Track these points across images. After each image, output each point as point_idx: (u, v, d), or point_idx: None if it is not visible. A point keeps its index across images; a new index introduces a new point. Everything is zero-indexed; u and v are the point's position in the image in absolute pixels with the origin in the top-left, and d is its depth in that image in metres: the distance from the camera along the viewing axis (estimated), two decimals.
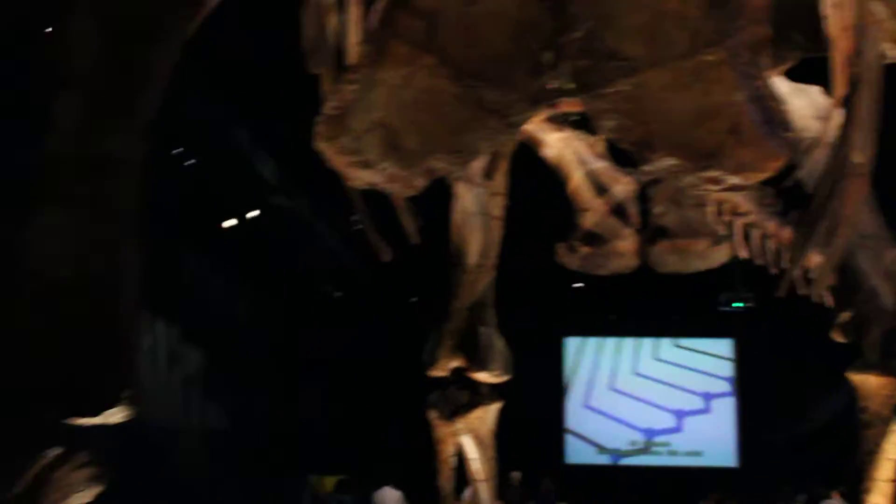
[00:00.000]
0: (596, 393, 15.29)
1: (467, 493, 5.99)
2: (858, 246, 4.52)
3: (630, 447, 15.00)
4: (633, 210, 5.20)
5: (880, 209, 4.56)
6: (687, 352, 14.84)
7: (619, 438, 15.13)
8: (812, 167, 4.28)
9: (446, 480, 5.36)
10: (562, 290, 12.31)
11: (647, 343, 15.05)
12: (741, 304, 11.22)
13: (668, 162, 2.76)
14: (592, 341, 15.34)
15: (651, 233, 5.08)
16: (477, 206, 5.33)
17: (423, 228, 4.21)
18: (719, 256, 5.15)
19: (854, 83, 3.40)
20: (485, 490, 5.19)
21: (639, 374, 15.14)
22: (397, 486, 10.35)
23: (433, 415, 5.32)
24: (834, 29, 3.39)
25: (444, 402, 5.39)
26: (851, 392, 4.74)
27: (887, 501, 4.30)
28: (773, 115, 2.79)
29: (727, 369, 14.80)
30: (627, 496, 13.33)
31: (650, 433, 15.02)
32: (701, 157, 2.75)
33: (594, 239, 5.17)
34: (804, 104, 4.38)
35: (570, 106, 4.95)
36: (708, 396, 14.93)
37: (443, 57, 2.76)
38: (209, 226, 10.50)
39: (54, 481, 2.40)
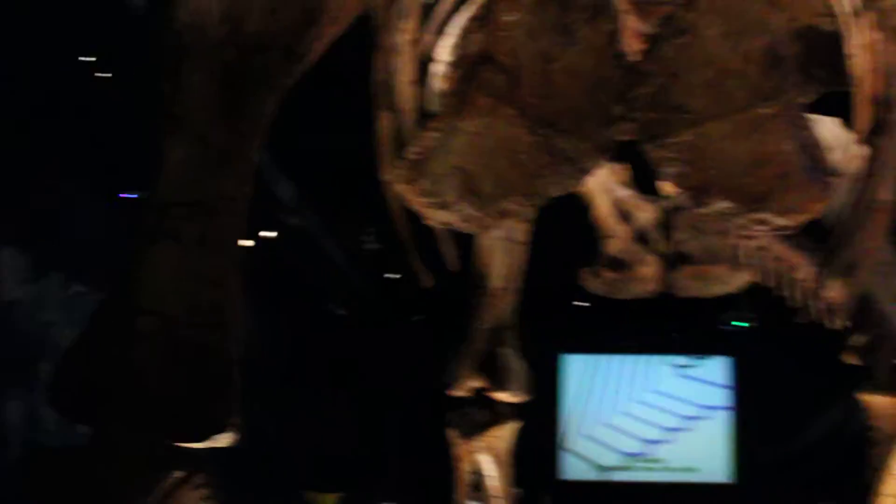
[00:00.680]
0: (593, 409, 15.51)
1: None
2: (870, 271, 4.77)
3: (626, 463, 15.24)
4: (655, 236, 5.46)
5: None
6: (685, 369, 15.11)
7: (614, 454, 15.35)
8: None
9: (463, 498, 5.60)
10: (561, 307, 12.55)
11: (646, 360, 15.31)
12: (742, 324, 11.51)
13: (723, 205, 3.01)
14: (590, 358, 15.58)
15: (673, 258, 5.34)
16: (503, 231, 5.56)
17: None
18: (739, 281, 5.42)
19: (881, 124, 3.67)
20: None
21: (637, 391, 15.38)
22: None
23: (452, 433, 5.56)
24: (860, 70, 3.66)
25: (464, 421, 5.64)
26: (849, 410, 5.03)
27: None
28: (817, 161, 3.06)
29: (725, 387, 15.08)
30: None
31: (645, 449, 15.27)
32: (752, 200, 3.00)
33: (618, 264, 5.43)
34: (822, 137, 4.64)
35: None
36: (704, 413, 15.21)
37: (521, 108, 3.00)
38: None
39: (178, 500, 2.62)
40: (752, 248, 5.61)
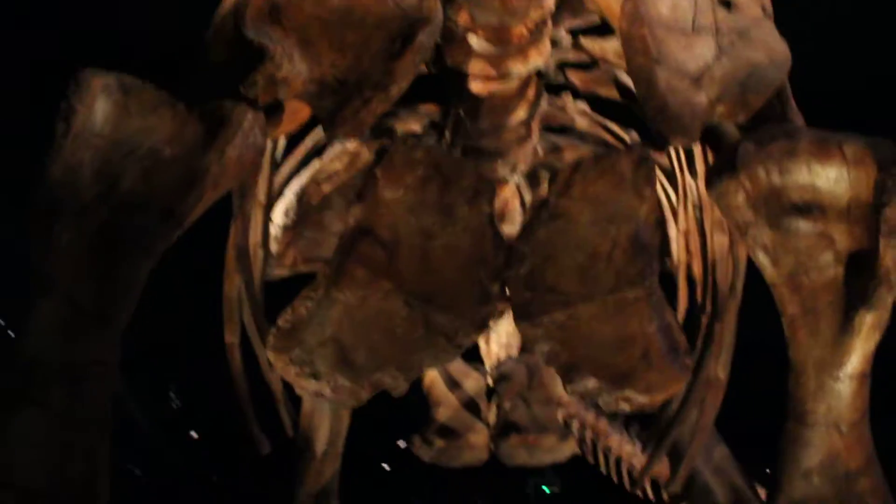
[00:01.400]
0: None
1: None
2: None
3: None
4: (483, 405, 5.53)
5: None
6: None
7: None
8: None
9: None
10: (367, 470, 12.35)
11: None
12: (548, 490, 11.69)
13: (591, 383, 3.11)
14: None
15: (501, 427, 5.41)
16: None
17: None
18: (566, 451, 5.54)
19: (717, 310, 3.93)
20: None
21: None
22: None
23: None
24: (681, 255, 3.96)
25: None
26: None
27: None
28: (676, 343, 3.22)
29: None
30: None
31: None
32: (617, 379, 3.12)
33: (448, 432, 5.44)
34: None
35: None
36: None
37: (399, 282, 3.03)
38: None
39: None
40: (560, 415, 5.80)
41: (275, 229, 4.12)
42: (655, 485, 7.15)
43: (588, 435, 6.64)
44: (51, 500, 2.50)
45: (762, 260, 3.29)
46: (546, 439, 5.37)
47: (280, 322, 3.10)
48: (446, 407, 5.53)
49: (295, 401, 4.95)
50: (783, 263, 3.26)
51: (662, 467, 7.56)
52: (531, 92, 3.94)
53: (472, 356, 5.42)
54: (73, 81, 2.88)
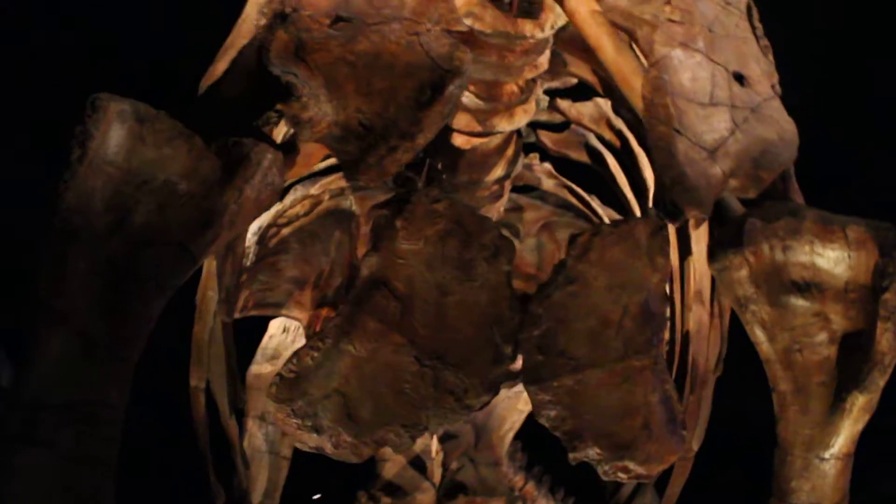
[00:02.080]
0: None
1: None
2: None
3: None
4: (430, 463, 5.45)
5: None
6: None
7: None
8: None
9: None
10: None
11: None
12: None
13: (593, 451, 3.08)
14: None
15: (448, 488, 5.33)
16: (266, 445, 5.36)
17: None
18: None
19: (694, 384, 3.96)
20: None
21: None
22: None
23: None
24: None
25: None
26: None
27: None
28: (674, 414, 3.22)
29: None
30: None
31: None
32: (618, 448, 3.10)
33: (394, 490, 5.34)
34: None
35: None
36: None
37: (411, 337, 2.97)
38: None
39: None
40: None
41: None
42: None
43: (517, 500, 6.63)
44: None
45: (759, 335, 3.33)
46: (494, 502, 5.31)
47: (283, 371, 3.00)
48: (393, 463, 5.43)
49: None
50: (779, 340, 3.30)
51: None
52: (511, 150, 3.96)
53: None
54: (89, 105, 2.77)
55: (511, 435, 5.37)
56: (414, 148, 2.92)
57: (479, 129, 3.63)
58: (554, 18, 3.33)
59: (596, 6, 3.26)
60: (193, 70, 3.29)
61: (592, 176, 4.72)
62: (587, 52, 3.48)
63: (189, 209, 2.79)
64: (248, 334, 4.39)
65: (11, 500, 2.34)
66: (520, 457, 7.11)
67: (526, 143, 4.41)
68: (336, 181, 4.13)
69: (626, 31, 3.37)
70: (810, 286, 3.25)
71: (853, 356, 3.26)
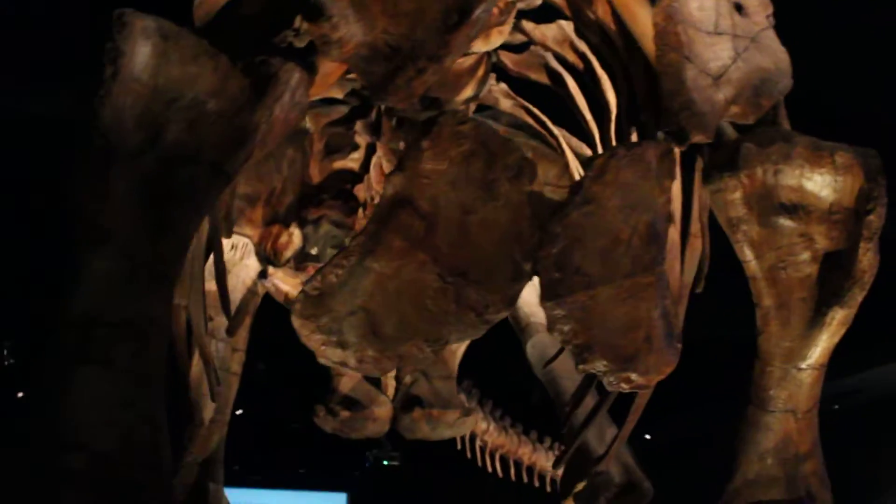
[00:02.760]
0: None
1: None
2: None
3: None
4: (384, 378, 5.54)
5: None
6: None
7: None
8: None
9: None
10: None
11: (263, 495, 14.87)
12: (387, 462, 11.75)
13: (601, 364, 3.23)
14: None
15: (405, 400, 5.45)
16: (217, 362, 5.39)
17: None
18: (467, 427, 5.66)
19: None
20: None
21: None
22: None
23: None
24: None
25: None
26: None
27: None
28: (672, 329, 3.39)
29: None
30: None
31: None
32: (623, 360, 3.26)
33: (352, 403, 5.43)
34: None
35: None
36: None
37: (434, 255, 3.04)
38: None
39: None
40: None
41: None
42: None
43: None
44: (123, 467, 2.36)
45: (747, 254, 3.51)
46: (450, 414, 5.46)
47: (307, 289, 3.04)
48: (349, 378, 5.51)
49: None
50: (766, 258, 3.49)
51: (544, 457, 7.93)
52: (482, 71, 4.00)
53: None
54: (116, 21, 2.72)
55: (462, 349, 5.50)
56: (441, 71, 2.96)
57: None
58: None
59: None
60: None
61: (551, 97, 4.80)
62: None
63: (220, 128, 2.78)
64: None
65: (72, 419, 2.33)
66: (474, 392, 7.33)
67: None
68: None
69: None
70: (797, 208, 3.43)
71: (834, 274, 3.47)
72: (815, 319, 3.51)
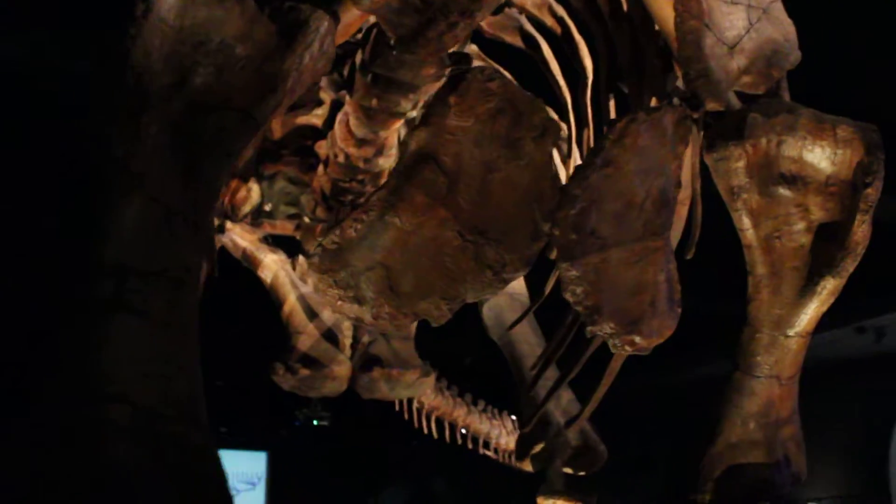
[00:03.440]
0: None
1: None
2: (542, 387, 5.26)
3: None
4: (341, 337, 5.49)
5: None
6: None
7: None
8: None
9: None
10: None
11: None
12: (317, 422, 11.65)
13: (609, 326, 3.25)
14: None
15: (364, 360, 5.41)
16: None
17: None
18: (424, 387, 5.65)
19: None
20: None
21: None
22: None
23: None
24: None
25: None
26: None
27: None
28: (673, 294, 3.43)
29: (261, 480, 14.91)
30: None
31: None
32: (629, 323, 3.28)
33: (311, 362, 5.36)
34: None
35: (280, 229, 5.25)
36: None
37: (455, 212, 3.00)
38: None
39: None
40: None
41: None
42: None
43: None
44: (164, 420, 2.27)
45: (745, 222, 3.56)
46: (409, 375, 5.44)
47: (326, 243, 2.97)
48: (307, 336, 5.45)
49: None
50: (762, 227, 3.55)
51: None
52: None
53: None
54: None
55: None
56: (473, 25, 2.91)
57: None
58: None
59: None
60: None
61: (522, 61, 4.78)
62: None
63: (248, 74, 2.69)
64: None
65: (110, 371, 2.23)
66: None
67: None
68: None
69: None
70: (796, 178, 3.49)
71: (826, 245, 3.55)
72: (807, 288, 3.59)
